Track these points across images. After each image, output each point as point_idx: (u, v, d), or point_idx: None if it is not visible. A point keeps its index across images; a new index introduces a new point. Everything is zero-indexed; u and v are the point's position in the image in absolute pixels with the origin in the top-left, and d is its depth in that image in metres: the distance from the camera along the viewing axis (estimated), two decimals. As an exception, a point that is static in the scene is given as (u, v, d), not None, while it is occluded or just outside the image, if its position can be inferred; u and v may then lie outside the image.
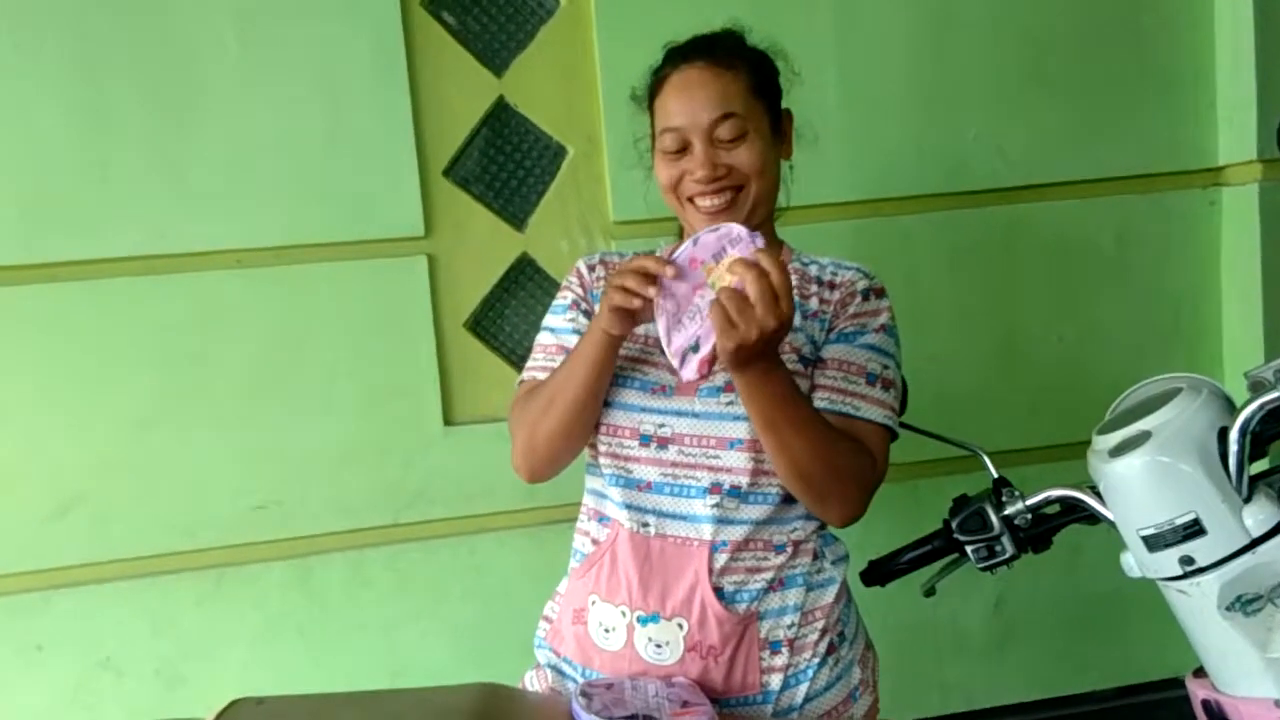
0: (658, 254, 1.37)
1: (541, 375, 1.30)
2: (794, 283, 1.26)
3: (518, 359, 1.94)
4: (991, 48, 1.99)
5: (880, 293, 1.27)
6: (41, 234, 1.75)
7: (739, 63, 1.23)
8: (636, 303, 1.10)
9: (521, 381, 1.35)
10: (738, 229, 1.08)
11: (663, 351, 1.26)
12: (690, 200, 1.25)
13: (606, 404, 1.26)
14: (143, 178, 1.77)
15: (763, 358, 1.07)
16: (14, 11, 1.71)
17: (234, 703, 1.04)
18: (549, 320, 1.36)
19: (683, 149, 1.23)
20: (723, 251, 1.08)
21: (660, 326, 1.10)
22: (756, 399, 1.11)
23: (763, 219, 1.28)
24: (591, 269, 1.36)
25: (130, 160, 1.76)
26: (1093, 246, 2.07)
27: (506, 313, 1.97)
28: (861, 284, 1.27)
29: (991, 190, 2.02)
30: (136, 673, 1.83)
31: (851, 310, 1.25)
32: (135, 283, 1.78)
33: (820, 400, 1.20)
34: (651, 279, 1.10)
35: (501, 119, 1.93)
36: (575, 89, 1.91)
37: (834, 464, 1.15)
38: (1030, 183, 2.03)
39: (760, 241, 1.07)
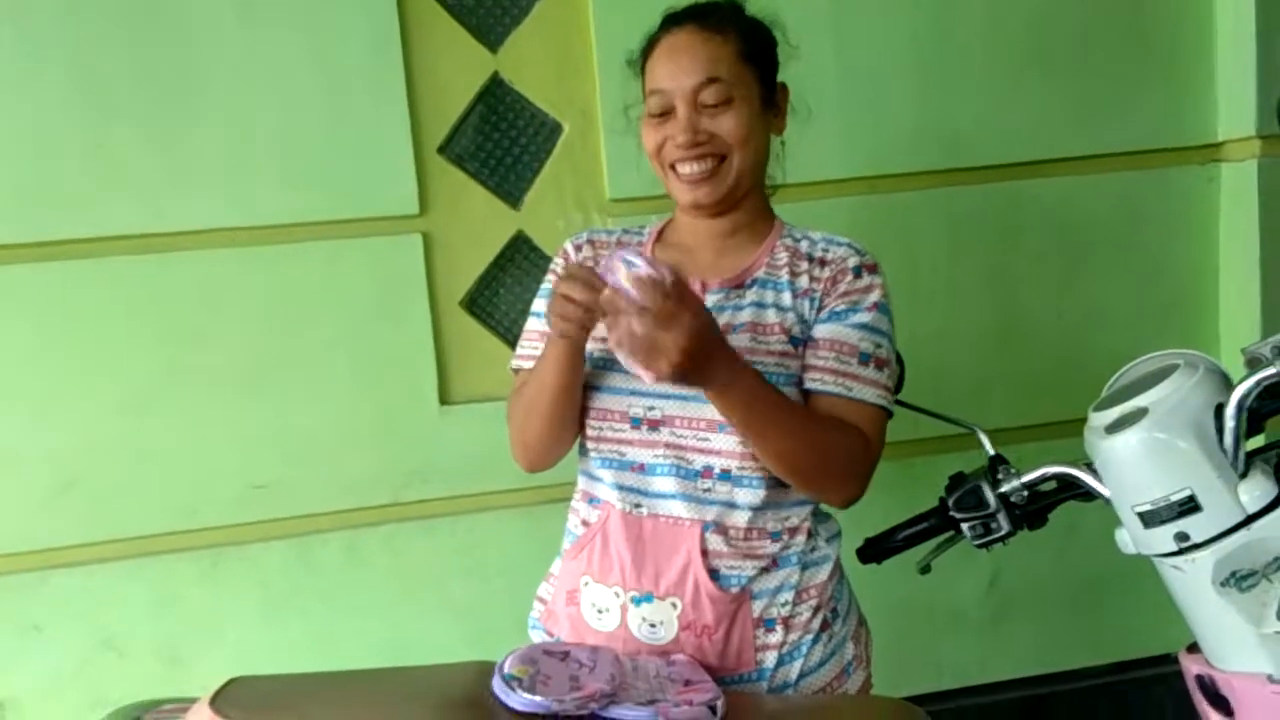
0: (647, 230, 1.37)
1: (527, 364, 1.30)
2: (784, 260, 1.25)
3: (514, 338, 1.93)
4: (991, 23, 1.98)
5: (873, 269, 1.25)
6: (38, 213, 1.74)
7: (730, 28, 1.22)
8: (572, 330, 1.12)
9: (514, 369, 1.35)
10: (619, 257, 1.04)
11: None
12: (672, 167, 1.24)
13: (595, 388, 1.25)
14: (139, 156, 1.75)
15: (710, 364, 1.04)
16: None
17: (231, 681, 1.05)
18: (536, 304, 1.35)
19: (667, 113, 1.22)
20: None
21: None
22: (728, 407, 1.10)
23: (748, 191, 1.27)
24: (579, 249, 1.35)
25: (126, 138, 1.75)
26: (1091, 223, 2.06)
27: (502, 291, 1.96)
28: (853, 260, 1.24)
29: (990, 166, 2.01)
30: (136, 652, 1.83)
31: (842, 288, 1.22)
32: (131, 261, 1.77)
33: (812, 381, 1.20)
34: (583, 302, 1.07)
35: (496, 95, 1.91)
36: (570, 65, 1.90)
37: (823, 453, 1.15)
38: (1029, 159, 2.02)
39: (640, 265, 1.02)
